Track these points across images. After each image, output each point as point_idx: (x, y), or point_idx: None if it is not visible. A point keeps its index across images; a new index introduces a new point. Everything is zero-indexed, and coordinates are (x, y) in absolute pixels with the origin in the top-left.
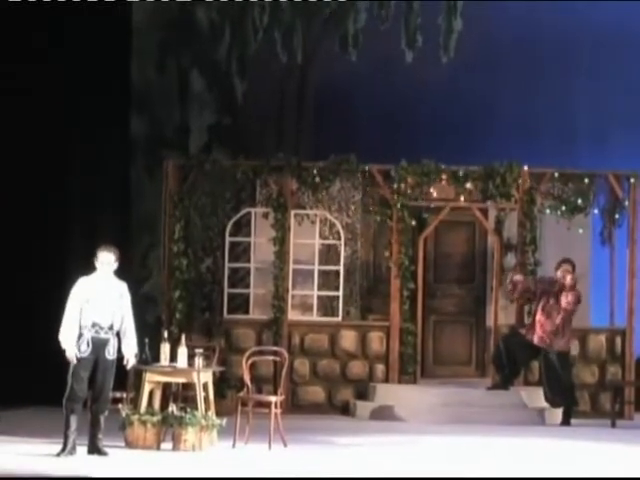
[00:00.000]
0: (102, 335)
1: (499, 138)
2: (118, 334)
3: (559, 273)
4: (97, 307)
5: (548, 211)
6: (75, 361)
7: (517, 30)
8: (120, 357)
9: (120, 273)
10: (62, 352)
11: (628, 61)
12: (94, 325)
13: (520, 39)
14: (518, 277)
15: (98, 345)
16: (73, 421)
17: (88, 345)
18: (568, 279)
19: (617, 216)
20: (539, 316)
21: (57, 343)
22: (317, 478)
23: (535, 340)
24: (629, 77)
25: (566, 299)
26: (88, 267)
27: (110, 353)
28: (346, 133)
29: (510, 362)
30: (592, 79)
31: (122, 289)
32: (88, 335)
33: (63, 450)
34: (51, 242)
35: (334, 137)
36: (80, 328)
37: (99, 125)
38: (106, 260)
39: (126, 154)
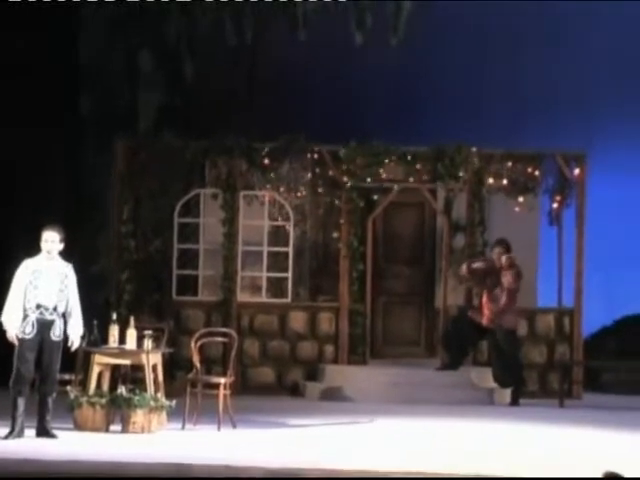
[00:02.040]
0: (47, 317)
1: (448, 119)
2: (64, 315)
3: (494, 255)
4: (41, 288)
5: (496, 192)
6: (16, 342)
7: (465, 9)
8: (66, 338)
9: (68, 254)
10: (5, 333)
11: (577, 40)
12: (39, 307)
13: (468, 19)
14: (479, 264)
15: (43, 326)
16: (20, 403)
17: (33, 327)
18: (503, 259)
19: (565, 197)
20: (485, 297)
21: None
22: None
23: (484, 321)
24: (578, 56)
25: (507, 279)
26: (34, 248)
27: (56, 335)
28: (295, 114)
29: (459, 343)
30: (539, 59)
31: (67, 270)
32: (33, 317)
33: (11, 432)
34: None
35: (284, 118)
36: (25, 310)
37: (47, 105)
38: (50, 239)
39: (75, 134)
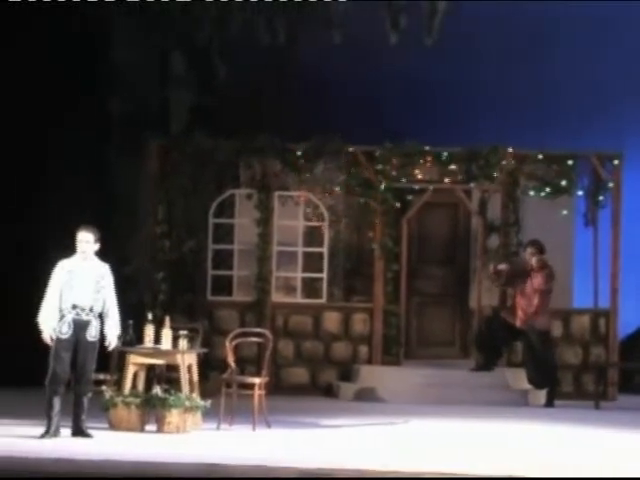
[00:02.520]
0: (83, 317)
1: (483, 119)
2: (101, 315)
3: (526, 256)
4: (77, 289)
5: (532, 192)
6: (50, 343)
7: (494, 9)
8: (102, 339)
9: (101, 254)
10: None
11: (611, 39)
12: (74, 307)
13: (502, 19)
14: (503, 266)
15: (79, 327)
16: (56, 403)
17: (69, 327)
18: (533, 261)
19: (600, 197)
20: (518, 298)
21: (37, 325)
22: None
23: (518, 323)
24: (613, 56)
25: (537, 280)
26: (69, 249)
27: (92, 335)
28: (329, 114)
29: (492, 343)
30: (576, 59)
31: (104, 270)
32: (69, 317)
33: (47, 432)
34: (31, 225)
35: (317, 118)
36: (61, 310)
37: (79, 106)
38: (84, 239)
39: (106, 135)
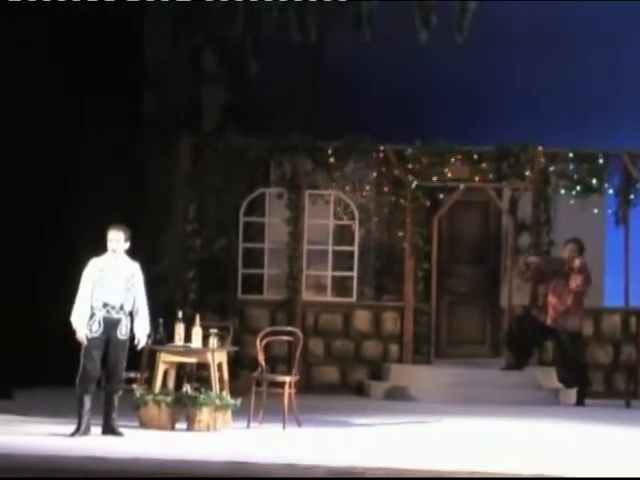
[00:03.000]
0: (114, 315)
1: (513, 118)
2: (131, 314)
3: (566, 253)
4: (108, 287)
5: (562, 191)
6: (85, 342)
7: (525, 6)
8: (133, 337)
9: (132, 253)
10: (74, 333)
11: None
12: (105, 305)
13: (532, 15)
14: (533, 258)
15: (109, 325)
16: (87, 401)
17: (100, 325)
18: (577, 262)
19: (632, 196)
20: (550, 297)
21: (70, 324)
22: None
23: (548, 321)
24: None
25: (575, 282)
26: (100, 248)
27: (122, 333)
28: (360, 113)
29: (522, 342)
30: (606, 55)
31: (134, 269)
32: (99, 315)
33: (77, 430)
34: (63, 223)
35: (348, 117)
36: (92, 308)
37: (111, 104)
38: (115, 238)
39: (138, 133)
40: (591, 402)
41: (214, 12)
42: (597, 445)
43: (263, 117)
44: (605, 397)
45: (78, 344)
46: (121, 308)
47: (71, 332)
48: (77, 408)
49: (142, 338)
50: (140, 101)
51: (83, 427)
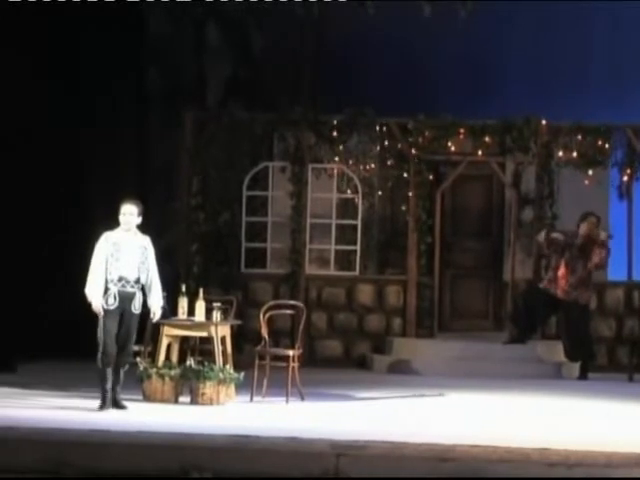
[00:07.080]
0: (128, 289)
1: (516, 91)
2: (143, 288)
3: (584, 226)
4: (123, 261)
5: (565, 165)
6: (102, 313)
7: None
8: (145, 311)
9: (140, 227)
10: (87, 305)
11: None
12: (120, 279)
13: None
14: (556, 235)
15: (124, 299)
16: (109, 375)
17: (115, 299)
18: (602, 235)
19: (635, 170)
20: (562, 270)
21: (80, 297)
22: None
23: (559, 294)
24: None
25: (599, 255)
26: (108, 221)
27: (136, 307)
28: (363, 86)
29: (529, 317)
30: (609, 30)
31: (146, 243)
32: (115, 289)
33: (103, 404)
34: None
35: (351, 90)
36: (107, 282)
37: (114, 78)
38: (129, 212)
39: (142, 107)
40: (594, 376)
41: None
42: (598, 418)
43: (267, 91)
44: (608, 371)
45: (93, 317)
46: (136, 282)
47: (87, 306)
48: (101, 383)
49: (157, 311)
50: (144, 76)
51: (108, 401)
